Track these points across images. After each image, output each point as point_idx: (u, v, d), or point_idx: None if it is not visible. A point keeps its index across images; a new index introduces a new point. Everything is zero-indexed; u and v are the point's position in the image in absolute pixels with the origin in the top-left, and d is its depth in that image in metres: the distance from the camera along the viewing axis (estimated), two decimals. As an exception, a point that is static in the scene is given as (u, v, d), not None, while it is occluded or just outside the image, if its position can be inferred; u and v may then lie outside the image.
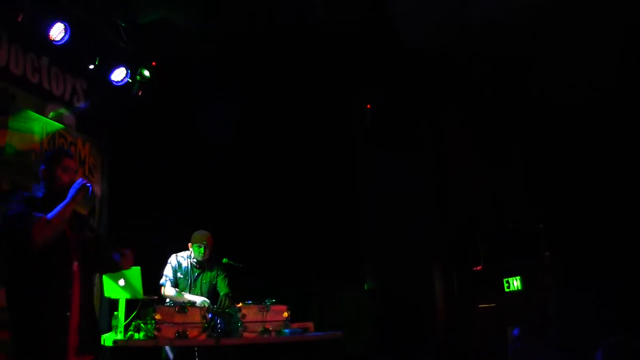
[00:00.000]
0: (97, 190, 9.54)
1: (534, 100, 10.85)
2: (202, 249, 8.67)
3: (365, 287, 11.15)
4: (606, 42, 9.70)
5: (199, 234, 8.77)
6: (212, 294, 8.77)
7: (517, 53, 10.23)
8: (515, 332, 8.36)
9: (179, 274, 8.79)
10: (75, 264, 5.19)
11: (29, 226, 4.84)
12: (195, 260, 8.78)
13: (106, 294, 7.68)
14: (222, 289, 8.73)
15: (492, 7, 9.21)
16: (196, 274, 8.83)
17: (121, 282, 7.45)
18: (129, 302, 7.49)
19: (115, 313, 7.41)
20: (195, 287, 8.81)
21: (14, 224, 4.92)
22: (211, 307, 7.67)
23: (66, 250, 5.16)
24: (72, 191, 5.11)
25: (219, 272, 8.84)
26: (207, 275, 8.84)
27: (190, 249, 8.78)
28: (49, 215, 4.95)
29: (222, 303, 8.34)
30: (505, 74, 10.66)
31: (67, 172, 5.33)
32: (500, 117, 11.17)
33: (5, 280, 5.08)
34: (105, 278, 7.58)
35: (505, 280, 10.75)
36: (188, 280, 8.79)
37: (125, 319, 7.35)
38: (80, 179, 5.22)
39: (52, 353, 4.89)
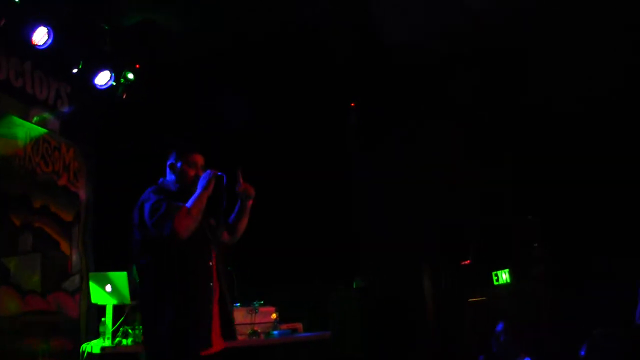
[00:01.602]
0: (82, 195, 9.51)
1: (523, 97, 10.88)
2: None
3: (354, 286, 11.15)
4: (592, 50, 9.75)
5: None
6: None
7: (508, 51, 10.27)
8: (499, 326, 8.36)
9: None
10: (214, 254, 5.24)
11: (172, 215, 4.83)
12: None
13: (93, 300, 7.68)
14: None
15: (481, 7, 9.22)
16: None
17: (108, 287, 7.46)
18: (116, 308, 7.49)
19: (103, 319, 7.41)
20: None
21: (156, 213, 4.90)
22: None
23: (206, 242, 5.23)
24: (202, 181, 5.13)
25: None
26: None
27: None
28: (188, 204, 4.96)
29: None
30: (495, 74, 10.69)
31: (193, 167, 5.33)
32: (488, 115, 11.20)
33: (143, 272, 5.09)
34: (92, 284, 7.58)
35: (494, 273, 10.76)
36: None
37: (113, 325, 7.35)
38: (208, 170, 5.21)
39: (200, 342, 4.90)
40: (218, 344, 5.08)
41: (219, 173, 5.19)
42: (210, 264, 5.16)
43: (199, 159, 5.40)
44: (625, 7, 9.13)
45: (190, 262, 5.00)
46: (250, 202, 5.66)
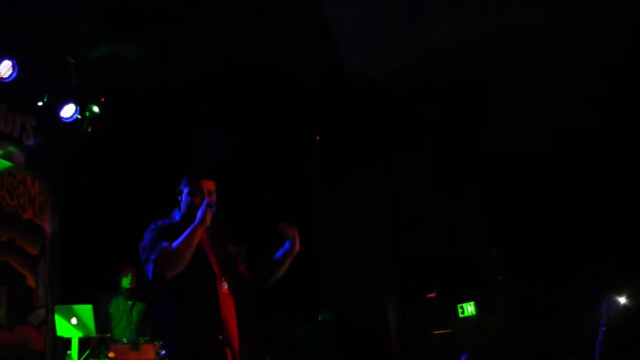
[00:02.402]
0: (48, 228, 9.46)
1: (489, 133, 11.01)
2: (129, 278, 8.88)
3: (320, 319, 11.14)
4: (552, 83, 9.93)
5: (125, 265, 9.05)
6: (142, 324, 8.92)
7: (472, 84, 10.40)
8: (463, 358, 8.40)
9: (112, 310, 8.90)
10: (225, 286, 4.90)
11: (151, 258, 4.65)
12: (124, 292, 8.98)
13: (58, 333, 7.63)
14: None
15: (447, 42, 9.37)
16: (130, 304, 8.97)
17: (73, 320, 7.42)
18: (81, 341, 7.44)
19: (69, 352, 7.36)
20: (132, 316, 8.92)
21: (142, 258, 4.75)
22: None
23: (210, 273, 4.89)
24: (199, 213, 4.82)
25: (145, 306, 9.04)
26: (139, 305, 9.01)
27: (120, 280, 8.99)
28: (175, 243, 4.68)
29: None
30: (459, 111, 10.82)
31: (199, 193, 5.06)
32: (452, 149, 11.30)
33: (157, 310, 4.90)
34: (57, 317, 7.54)
35: (459, 306, 10.81)
36: (123, 312, 8.92)
37: (79, 357, 7.30)
38: (206, 200, 4.92)
39: None
40: None
41: (212, 202, 4.93)
42: (217, 292, 4.84)
43: (208, 185, 5.15)
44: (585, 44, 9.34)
45: (193, 295, 4.74)
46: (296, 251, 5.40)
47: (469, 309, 10.74)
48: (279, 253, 5.31)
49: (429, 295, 11.04)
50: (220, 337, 4.69)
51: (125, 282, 9.11)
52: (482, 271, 10.97)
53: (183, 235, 4.71)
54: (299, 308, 10.90)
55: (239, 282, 5.01)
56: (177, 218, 5.08)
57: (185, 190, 5.11)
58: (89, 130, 9.69)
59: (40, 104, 9.20)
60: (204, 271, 4.82)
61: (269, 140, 10.83)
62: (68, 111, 9.44)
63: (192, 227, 4.75)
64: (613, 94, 9.96)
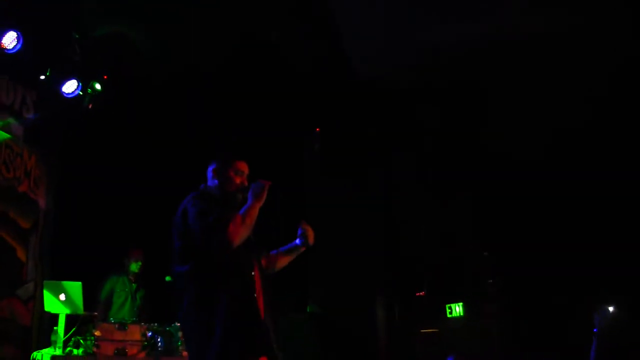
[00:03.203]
0: (42, 203, 9.45)
1: (484, 136, 11.03)
2: (139, 263, 8.91)
3: (308, 310, 11.14)
4: (551, 88, 9.95)
5: (135, 249, 9.13)
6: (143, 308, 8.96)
7: (470, 88, 10.41)
8: (450, 359, 8.42)
9: (118, 289, 8.93)
10: (256, 268, 5.06)
11: (227, 224, 4.69)
12: (130, 275, 9.02)
13: (46, 309, 7.62)
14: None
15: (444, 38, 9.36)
16: (135, 287, 9.01)
17: (62, 297, 7.41)
18: (69, 318, 7.43)
19: (55, 328, 7.34)
20: (136, 300, 8.94)
21: (205, 220, 4.76)
22: (152, 325, 7.63)
23: (249, 255, 5.02)
24: (255, 190, 4.98)
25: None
26: (141, 290, 9.06)
27: (128, 264, 9.01)
28: (241, 212, 4.82)
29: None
30: (457, 115, 10.83)
31: (238, 174, 5.25)
32: (448, 153, 11.31)
33: (183, 280, 4.86)
34: (45, 292, 7.52)
35: (447, 306, 10.83)
36: (129, 293, 8.95)
37: (65, 334, 7.29)
38: (259, 180, 5.09)
39: (254, 353, 4.72)
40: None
41: (269, 184, 5.09)
42: (253, 274, 4.98)
43: (245, 167, 5.34)
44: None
45: (234, 272, 4.84)
46: (303, 249, 5.61)
47: (457, 309, 10.77)
48: (285, 247, 5.53)
49: (418, 294, 11.06)
50: (256, 321, 4.81)
51: (134, 266, 9.16)
52: (473, 273, 10.99)
53: (246, 207, 4.87)
54: (290, 299, 10.92)
55: (262, 270, 5.17)
56: (218, 192, 5.20)
57: (223, 168, 5.24)
58: (90, 107, 9.66)
59: (42, 77, 9.17)
60: (246, 253, 4.95)
61: (266, 135, 10.83)
62: (70, 87, 9.41)
63: (252, 202, 4.91)
64: (610, 100, 9.99)
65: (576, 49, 9.41)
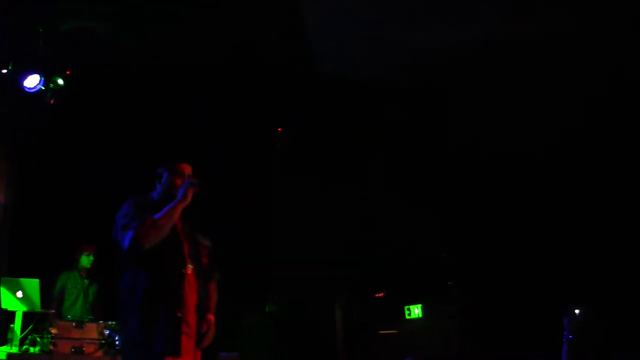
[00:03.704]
0: (1, 198, 9.36)
1: (447, 140, 11.09)
2: (91, 257, 8.85)
3: (267, 310, 11.16)
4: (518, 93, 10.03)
5: (87, 244, 9.06)
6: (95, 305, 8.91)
7: (437, 90, 10.46)
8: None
9: (69, 286, 8.86)
10: (190, 267, 5.11)
11: (132, 225, 4.78)
12: (82, 270, 8.95)
13: (3, 306, 7.56)
14: None
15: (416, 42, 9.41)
16: (87, 283, 8.95)
17: (19, 294, 7.36)
18: (26, 315, 7.38)
19: (12, 325, 7.30)
20: (88, 296, 8.89)
21: (120, 224, 4.88)
22: (109, 323, 7.59)
23: (180, 253, 5.08)
24: (181, 191, 5.07)
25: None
26: (94, 286, 9.00)
27: (78, 258, 8.95)
28: (157, 215, 4.87)
29: None
30: (422, 117, 10.87)
31: (180, 176, 5.29)
32: (410, 156, 11.36)
33: (121, 281, 4.99)
34: (2, 289, 7.47)
35: (406, 307, 10.89)
36: (80, 290, 8.89)
37: (22, 332, 7.25)
38: (188, 179, 5.17)
39: (166, 347, 4.77)
40: (189, 354, 4.96)
41: (195, 181, 5.15)
42: (184, 272, 5.04)
43: (186, 169, 5.39)
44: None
45: (155, 268, 4.91)
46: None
47: (416, 311, 10.84)
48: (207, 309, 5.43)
49: (377, 295, 11.11)
50: (179, 314, 4.88)
51: (86, 260, 9.09)
52: (433, 275, 11.06)
53: (165, 209, 4.93)
54: (248, 299, 10.91)
55: (200, 269, 5.25)
56: (156, 197, 5.28)
57: (166, 174, 5.32)
58: (52, 102, 9.58)
59: (4, 71, 9.08)
60: (174, 250, 5.05)
61: (233, 133, 10.82)
62: (32, 81, 9.32)
63: (174, 202, 5.00)
64: (583, 104, 10.10)
65: (549, 54, 9.48)
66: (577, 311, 8.10)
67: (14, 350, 7.01)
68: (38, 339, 7.12)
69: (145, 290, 4.84)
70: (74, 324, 7.26)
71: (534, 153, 10.68)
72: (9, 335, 7.20)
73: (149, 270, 4.88)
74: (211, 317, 5.38)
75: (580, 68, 9.55)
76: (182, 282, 4.99)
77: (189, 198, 5.05)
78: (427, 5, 9.00)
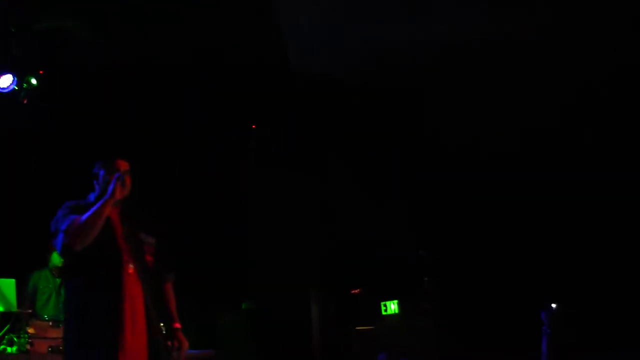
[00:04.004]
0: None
1: (420, 138, 11.14)
2: None
3: (243, 307, 11.15)
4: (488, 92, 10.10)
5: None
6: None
7: (409, 89, 10.50)
8: (381, 357, 8.51)
9: (41, 286, 8.81)
10: (131, 268, 4.97)
11: (61, 228, 4.75)
12: (53, 269, 8.90)
13: (-21, 306, 7.55)
14: None
15: (384, 40, 9.44)
16: (58, 282, 8.90)
17: (-5, 294, 7.35)
18: (2, 315, 7.37)
19: (-12, 326, 7.29)
20: (60, 295, 8.85)
21: (52, 230, 4.87)
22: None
23: (117, 253, 4.95)
24: (110, 187, 4.92)
25: None
26: None
27: (49, 257, 8.89)
28: (84, 215, 4.77)
29: None
30: (394, 115, 10.91)
31: (113, 173, 5.06)
32: (385, 149, 11.40)
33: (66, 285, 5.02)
34: (-22, 290, 7.46)
35: (382, 303, 10.92)
36: (52, 289, 8.85)
37: (-1, 332, 7.23)
38: (116, 174, 5.00)
39: (102, 352, 4.68)
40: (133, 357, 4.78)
41: (117, 174, 4.98)
42: (122, 274, 4.91)
43: (122, 165, 5.23)
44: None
45: (98, 273, 4.86)
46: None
47: (392, 307, 10.86)
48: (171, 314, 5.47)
49: (353, 291, 11.13)
50: (119, 315, 4.77)
51: (57, 259, 9.02)
52: (409, 271, 11.10)
53: (93, 208, 4.82)
54: (224, 297, 10.91)
55: (145, 268, 5.10)
56: (92, 198, 5.16)
57: (102, 172, 5.18)
58: (25, 102, 9.54)
59: (-24, 72, 9.05)
60: (111, 251, 4.94)
61: (206, 130, 10.82)
62: (5, 81, 9.29)
63: (102, 200, 4.88)
64: (550, 103, 10.17)
65: (515, 53, 9.56)
66: (553, 305, 8.16)
67: (-9, 350, 7.00)
68: (15, 338, 7.10)
69: (84, 294, 4.82)
70: (50, 324, 7.26)
71: (510, 150, 10.76)
72: (-14, 336, 7.19)
73: (86, 274, 4.85)
74: (178, 326, 5.38)
75: (554, 68, 9.64)
76: (120, 283, 4.87)
77: (118, 195, 4.93)
78: (399, 5, 9.04)
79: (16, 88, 9.41)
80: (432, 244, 11.06)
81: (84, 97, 10.02)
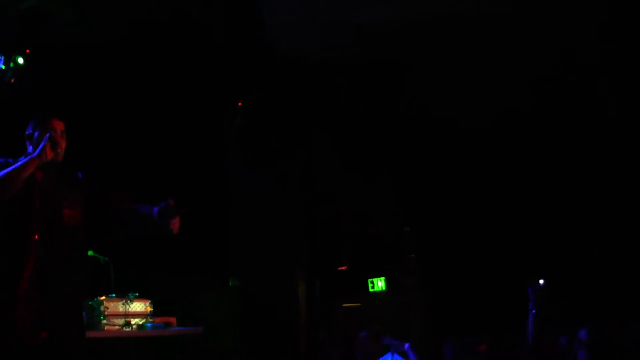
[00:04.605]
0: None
1: (404, 114, 11.17)
2: None
3: (230, 284, 11.19)
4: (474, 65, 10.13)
5: None
6: None
7: (391, 63, 10.52)
8: (362, 334, 8.57)
9: None
10: (36, 236, 4.54)
11: None
12: None
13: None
14: None
15: (367, 16, 9.46)
16: None
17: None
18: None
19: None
20: None
21: None
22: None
23: (27, 220, 4.56)
24: (40, 146, 4.57)
25: None
26: None
27: None
28: (3, 171, 4.43)
29: None
30: (377, 87, 10.93)
31: (46, 133, 4.68)
32: (370, 126, 11.42)
33: None
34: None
35: (369, 280, 11.00)
36: None
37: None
38: (47, 134, 4.64)
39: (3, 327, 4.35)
40: (31, 333, 4.41)
41: (48, 134, 4.65)
42: (30, 240, 4.51)
43: (58, 125, 4.85)
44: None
45: (4, 241, 4.51)
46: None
47: (379, 284, 10.95)
48: (146, 209, 4.95)
49: (340, 269, 11.20)
50: (17, 289, 4.43)
51: None
52: (395, 248, 11.17)
53: (12, 167, 4.50)
54: (211, 273, 10.95)
55: (64, 228, 4.73)
56: (23, 158, 4.70)
57: (37, 132, 4.78)
58: (12, 81, 9.56)
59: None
60: (22, 214, 4.58)
61: (190, 107, 10.82)
62: (-9, 61, 9.32)
63: (26, 158, 4.58)
64: (538, 79, 10.22)
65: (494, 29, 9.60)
66: (541, 282, 8.20)
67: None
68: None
69: None
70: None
71: (495, 126, 10.81)
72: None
73: None
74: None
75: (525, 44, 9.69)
76: (21, 254, 4.52)
77: (47, 155, 4.59)
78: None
79: (3, 67, 9.42)
80: (418, 221, 11.14)
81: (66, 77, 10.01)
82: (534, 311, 7.56)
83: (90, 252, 8.48)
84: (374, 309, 10.85)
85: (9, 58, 9.45)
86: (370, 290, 11.17)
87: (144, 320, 7.72)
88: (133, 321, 7.62)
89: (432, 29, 9.55)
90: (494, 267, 10.53)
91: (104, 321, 7.41)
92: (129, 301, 7.65)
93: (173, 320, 8.11)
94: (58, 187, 4.80)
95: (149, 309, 7.82)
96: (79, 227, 4.84)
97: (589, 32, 9.31)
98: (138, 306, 7.73)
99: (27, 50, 9.64)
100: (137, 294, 7.78)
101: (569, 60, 9.82)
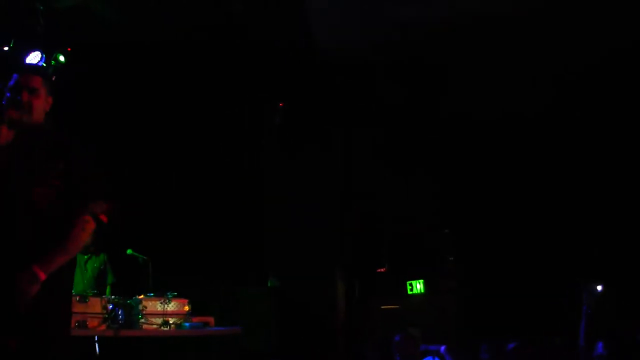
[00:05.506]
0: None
1: (444, 112, 11.09)
2: None
3: (269, 285, 11.17)
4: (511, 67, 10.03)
5: None
6: (97, 279, 8.91)
7: (432, 65, 10.46)
8: (397, 338, 8.49)
9: None
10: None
11: None
12: None
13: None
14: (110, 278, 9.03)
15: (409, 16, 9.40)
16: (86, 257, 8.94)
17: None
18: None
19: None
20: (86, 270, 8.90)
21: None
22: (113, 297, 7.61)
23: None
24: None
25: (106, 260, 8.99)
26: (95, 260, 8.99)
27: None
28: None
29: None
30: (418, 87, 10.86)
31: (19, 90, 4.33)
32: (410, 127, 11.36)
33: None
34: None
35: (408, 283, 10.92)
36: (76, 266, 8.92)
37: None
38: (7, 93, 4.32)
39: None
40: None
41: (8, 95, 4.31)
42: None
43: (32, 81, 4.46)
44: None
45: None
46: None
47: (418, 286, 10.85)
48: None
49: (379, 270, 11.13)
50: None
51: None
52: (434, 250, 11.09)
53: None
54: (250, 273, 10.94)
55: (30, 202, 4.11)
56: None
57: (8, 94, 4.39)
58: (53, 79, 9.59)
59: (5, 49, 9.11)
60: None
61: (227, 107, 10.83)
62: (33, 58, 9.35)
63: None
64: (570, 81, 10.10)
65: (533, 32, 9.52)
66: (599, 287, 8.09)
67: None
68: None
69: None
70: (77, 299, 7.28)
71: (537, 125, 10.71)
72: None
73: None
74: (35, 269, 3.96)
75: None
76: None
77: (10, 113, 4.20)
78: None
79: (44, 65, 9.47)
80: (458, 223, 11.05)
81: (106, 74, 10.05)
82: (589, 311, 7.47)
83: (129, 251, 8.54)
84: (412, 311, 10.75)
85: (51, 55, 9.49)
86: (409, 292, 11.07)
87: (182, 320, 7.70)
88: (171, 320, 7.60)
89: (473, 30, 9.47)
90: (532, 270, 10.43)
91: (142, 320, 7.41)
92: (167, 300, 7.63)
93: (211, 320, 8.09)
94: (33, 154, 4.23)
95: (187, 308, 7.80)
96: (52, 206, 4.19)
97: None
98: (176, 305, 7.71)
99: (69, 49, 9.69)
100: (175, 294, 7.76)
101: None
